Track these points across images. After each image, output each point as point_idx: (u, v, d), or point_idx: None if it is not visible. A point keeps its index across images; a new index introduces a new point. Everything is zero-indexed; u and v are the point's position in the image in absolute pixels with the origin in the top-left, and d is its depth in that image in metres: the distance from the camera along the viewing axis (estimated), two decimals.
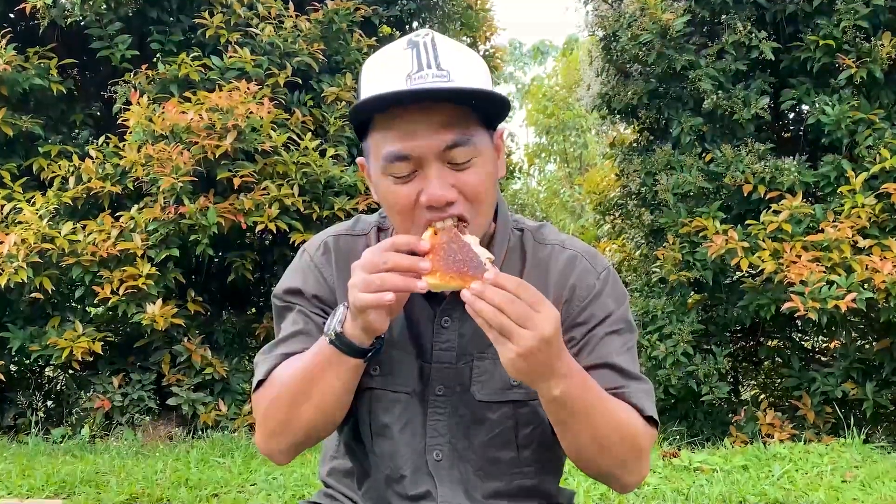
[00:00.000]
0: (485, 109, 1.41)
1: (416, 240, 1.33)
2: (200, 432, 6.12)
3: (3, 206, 6.30)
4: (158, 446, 5.71)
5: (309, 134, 6.64)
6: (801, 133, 7.24)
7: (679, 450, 5.41)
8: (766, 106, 6.60)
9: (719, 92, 6.57)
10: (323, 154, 6.56)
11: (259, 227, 6.17)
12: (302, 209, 6.29)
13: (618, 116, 7.85)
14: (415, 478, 1.54)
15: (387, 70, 1.38)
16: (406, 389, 1.52)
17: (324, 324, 1.49)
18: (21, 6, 6.76)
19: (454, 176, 1.37)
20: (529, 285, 1.29)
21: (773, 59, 6.57)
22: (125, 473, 4.82)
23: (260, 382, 1.52)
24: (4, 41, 6.62)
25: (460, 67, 1.37)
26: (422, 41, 1.38)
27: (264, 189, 6.26)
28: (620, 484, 1.51)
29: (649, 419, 1.50)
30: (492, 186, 1.44)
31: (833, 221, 6.04)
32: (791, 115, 7.54)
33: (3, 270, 5.83)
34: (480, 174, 1.40)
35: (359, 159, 1.53)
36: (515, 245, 1.57)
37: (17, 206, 6.31)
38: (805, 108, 6.95)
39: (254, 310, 7.62)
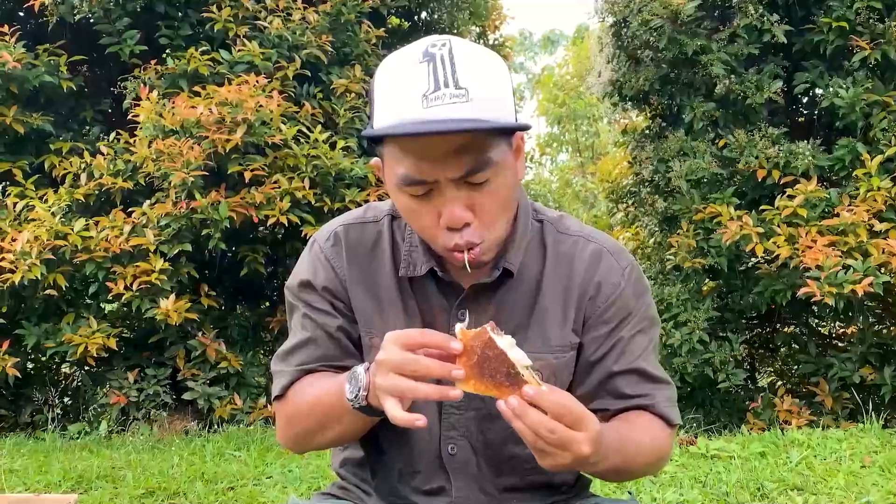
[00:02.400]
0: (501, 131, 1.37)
1: (448, 340, 1.26)
2: (216, 426, 6.13)
3: (15, 203, 6.32)
4: (174, 440, 5.72)
5: (319, 126, 6.63)
6: (814, 117, 7.17)
7: (696, 437, 5.38)
8: (779, 90, 6.54)
9: (731, 76, 6.51)
10: (333, 146, 6.55)
11: (271, 221, 6.17)
12: (313, 202, 6.28)
13: (629, 103, 7.80)
14: (429, 472, 1.53)
15: (401, 87, 1.30)
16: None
17: (331, 318, 1.51)
18: (29, 3, 6.78)
19: (470, 196, 1.34)
20: (570, 404, 1.24)
21: (786, 42, 6.50)
22: (141, 468, 4.83)
23: (278, 396, 1.55)
24: (14, 39, 6.63)
25: (479, 83, 1.29)
26: (438, 54, 1.30)
27: (275, 182, 6.25)
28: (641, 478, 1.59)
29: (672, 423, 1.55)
30: (510, 198, 1.41)
31: (848, 205, 5.99)
32: (805, 99, 7.47)
33: (17, 268, 5.85)
34: (498, 193, 1.36)
35: (374, 161, 1.49)
36: (535, 238, 1.54)
37: (30, 203, 6.33)
38: (819, 91, 6.88)
39: (267, 303, 7.63)
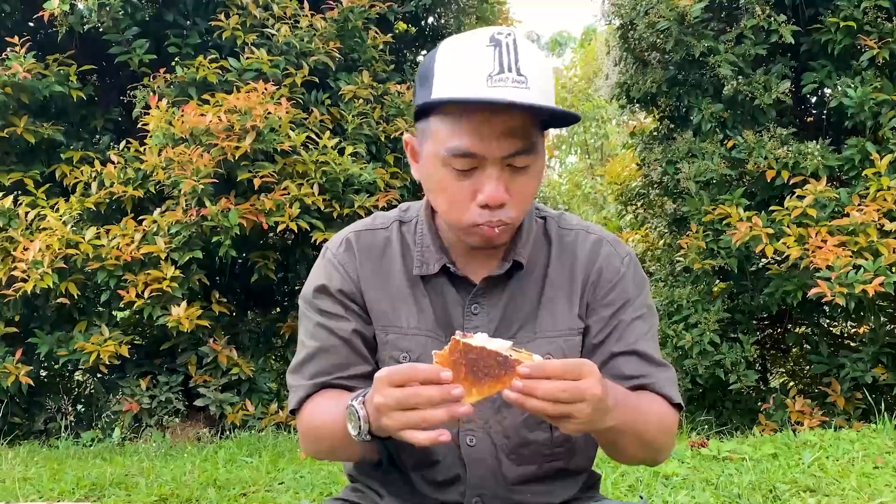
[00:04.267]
0: (551, 121, 1.47)
1: (437, 371, 1.25)
2: (228, 432, 6.16)
3: (27, 212, 6.36)
4: (187, 447, 5.74)
5: (327, 132, 6.65)
6: (823, 117, 7.15)
7: (707, 439, 5.37)
8: (788, 90, 6.53)
9: (739, 77, 6.50)
10: (342, 152, 6.57)
11: (280, 227, 6.19)
12: (322, 208, 6.30)
13: (637, 105, 7.80)
14: (446, 464, 1.56)
15: (468, 66, 1.38)
16: None
17: (345, 322, 1.55)
18: (39, 14, 6.82)
19: (511, 178, 1.43)
20: (565, 361, 1.27)
21: (793, 42, 6.49)
22: (154, 475, 4.85)
23: (293, 410, 1.59)
24: (24, 49, 6.68)
25: (537, 74, 1.39)
26: (504, 40, 1.39)
27: (284, 189, 6.28)
28: (651, 463, 1.61)
29: (675, 405, 1.57)
30: (538, 187, 1.50)
31: (858, 205, 5.97)
32: (813, 99, 7.46)
33: (30, 277, 5.88)
34: (533, 179, 1.46)
35: (406, 136, 1.56)
36: (540, 232, 1.62)
37: (42, 212, 6.37)
38: (827, 91, 6.87)
39: (278, 309, 7.65)
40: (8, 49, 6.71)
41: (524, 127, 1.40)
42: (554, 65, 24.26)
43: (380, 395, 1.28)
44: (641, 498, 1.93)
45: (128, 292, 6.01)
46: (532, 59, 1.39)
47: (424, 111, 1.46)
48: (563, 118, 1.45)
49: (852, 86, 6.25)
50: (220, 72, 6.74)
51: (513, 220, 1.45)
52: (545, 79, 1.41)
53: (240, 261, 6.98)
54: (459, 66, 1.39)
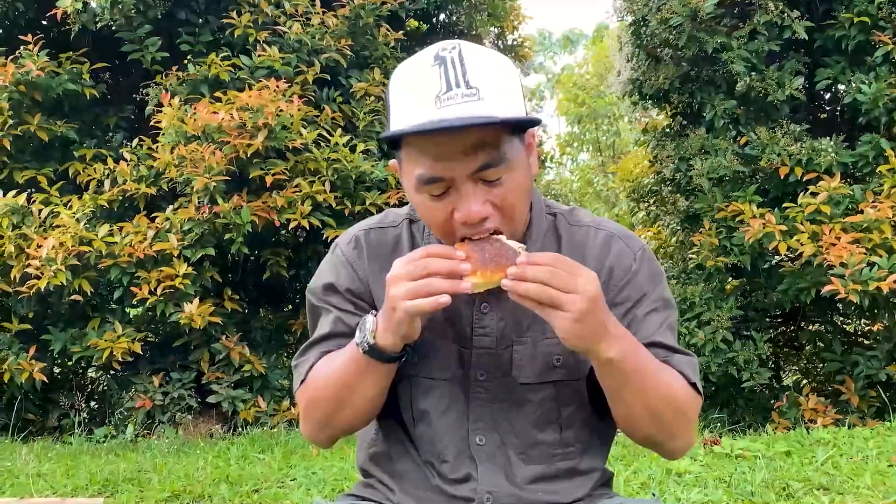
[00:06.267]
0: (515, 124, 1.42)
1: (451, 249, 1.36)
2: (240, 429, 6.17)
3: (41, 210, 6.39)
4: (199, 443, 5.76)
5: (339, 130, 6.66)
6: (837, 113, 7.12)
7: (720, 437, 5.35)
8: (801, 86, 6.50)
9: (752, 74, 6.47)
10: (353, 150, 6.57)
11: (292, 224, 6.20)
12: (334, 205, 6.31)
13: (649, 102, 7.78)
14: (457, 462, 1.55)
15: (415, 90, 1.37)
16: (445, 375, 1.53)
17: (355, 318, 1.53)
18: (52, 12, 6.85)
19: (487, 191, 1.40)
20: (563, 256, 1.36)
21: (807, 38, 6.46)
22: (167, 471, 4.87)
23: (301, 383, 1.58)
24: (37, 48, 6.71)
25: (489, 82, 1.36)
26: (448, 56, 1.37)
27: (296, 186, 6.29)
28: (668, 450, 1.56)
29: (694, 387, 1.52)
30: (526, 192, 1.46)
31: (872, 202, 5.94)
32: (827, 96, 7.42)
33: (43, 274, 5.91)
34: (513, 187, 1.41)
35: (392, 162, 1.54)
36: (550, 229, 1.59)
37: (55, 209, 6.40)
38: (841, 87, 6.83)
39: (290, 306, 7.67)
40: (21, 47, 6.75)
41: (487, 140, 1.36)
42: (566, 62, 24.24)
43: (393, 270, 1.37)
44: (654, 495, 1.92)
45: (140, 289, 6.03)
46: (482, 67, 1.37)
47: (394, 142, 1.45)
48: (531, 124, 1.43)
49: (866, 82, 6.22)
50: (233, 69, 6.76)
51: (506, 227, 1.42)
52: (501, 84, 1.38)
53: (252, 258, 6.99)
54: (408, 92, 1.38)
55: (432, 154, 1.37)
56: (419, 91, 1.36)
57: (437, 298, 1.32)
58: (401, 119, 1.38)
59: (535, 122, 1.42)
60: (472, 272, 1.33)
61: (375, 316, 1.44)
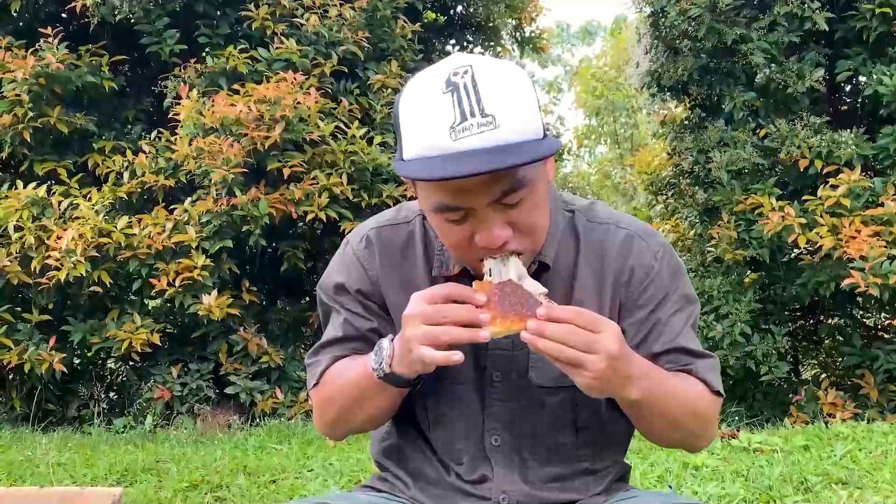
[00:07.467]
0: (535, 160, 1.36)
1: (471, 293, 1.33)
2: (258, 420, 6.20)
3: (60, 202, 6.43)
4: (217, 434, 5.79)
5: (356, 122, 6.67)
6: (857, 105, 7.05)
7: (738, 431, 5.32)
8: (821, 78, 6.44)
9: (772, 65, 6.42)
10: (370, 142, 6.58)
11: (309, 217, 6.23)
12: (351, 197, 6.32)
13: (668, 94, 7.73)
14: (473, 463, 1.54)
15: (427, 120, 1.30)
16: (461, 379, 1.52)
17: (365, 321, 1.55)
18: (71, 5, 6.88)
19: (507, 214, 1.35)
20: (584, 310, 1.32)
21: (827, 29, 6.40)
22: (185, 461, 4.90)
23: (314, 385, 1.58)
24: (56, 40, 6.74)
25: (505, 106, 1.28)
26: (461, 82, 1.29)
27: (313, 178, 6.30)
28: (690, 448, 1.60)
29: (716, 392, 1.54)
30: (545, 208, 1.42)
31: (893, 195, 5.89)
32: (847, 87, 7.35)
33: (63, 265, 5.95)
34: (533, 208, 1.38)
35: (405, 178, 1.49)
36: (567, 228, 1.54)
37: (74, 201, 6.44)
38: (861, 79, 6.76)
39: (307, 298, 7.69)
40: (41, 40, 6.79)
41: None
42: (584, 54, 24.14)
43: (412, 307, 1.35)
44: (670, 488, 1.91)
45: (159, 281, 6.07)
46: (496, 90, 1.29)
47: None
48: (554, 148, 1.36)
49: (887, 73, 6.16)
50: (250, 62, 6.77)
51: (526, 248, 1.39)
52: (517, 104, 1.30)
53: (269, 250, 7.02)
54: (420, 122, 1.31)
55: (450, 187, 1.32)
56: (432, 121, 1.29)
57: (450, 356, 1.30)
58: (413, 148, 1.32)
59: (555, 150, 1.33)
60: (491, 320, 1.30)
61: (392, 341, 1.41)
